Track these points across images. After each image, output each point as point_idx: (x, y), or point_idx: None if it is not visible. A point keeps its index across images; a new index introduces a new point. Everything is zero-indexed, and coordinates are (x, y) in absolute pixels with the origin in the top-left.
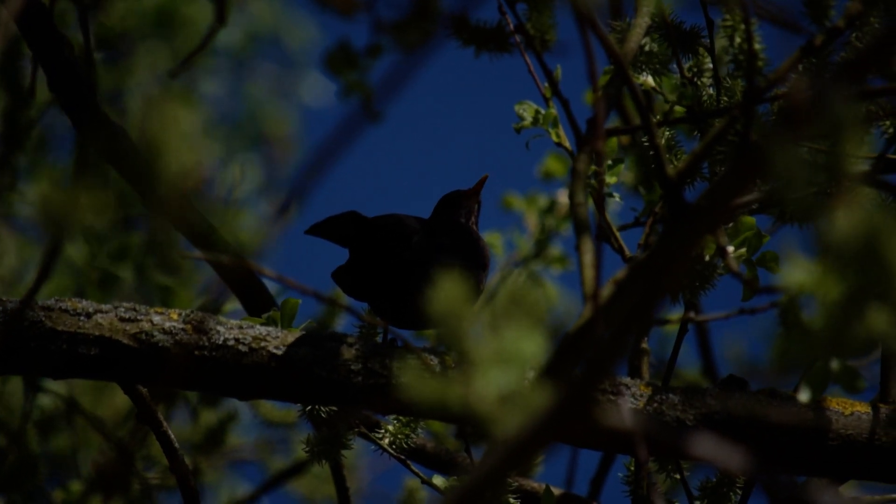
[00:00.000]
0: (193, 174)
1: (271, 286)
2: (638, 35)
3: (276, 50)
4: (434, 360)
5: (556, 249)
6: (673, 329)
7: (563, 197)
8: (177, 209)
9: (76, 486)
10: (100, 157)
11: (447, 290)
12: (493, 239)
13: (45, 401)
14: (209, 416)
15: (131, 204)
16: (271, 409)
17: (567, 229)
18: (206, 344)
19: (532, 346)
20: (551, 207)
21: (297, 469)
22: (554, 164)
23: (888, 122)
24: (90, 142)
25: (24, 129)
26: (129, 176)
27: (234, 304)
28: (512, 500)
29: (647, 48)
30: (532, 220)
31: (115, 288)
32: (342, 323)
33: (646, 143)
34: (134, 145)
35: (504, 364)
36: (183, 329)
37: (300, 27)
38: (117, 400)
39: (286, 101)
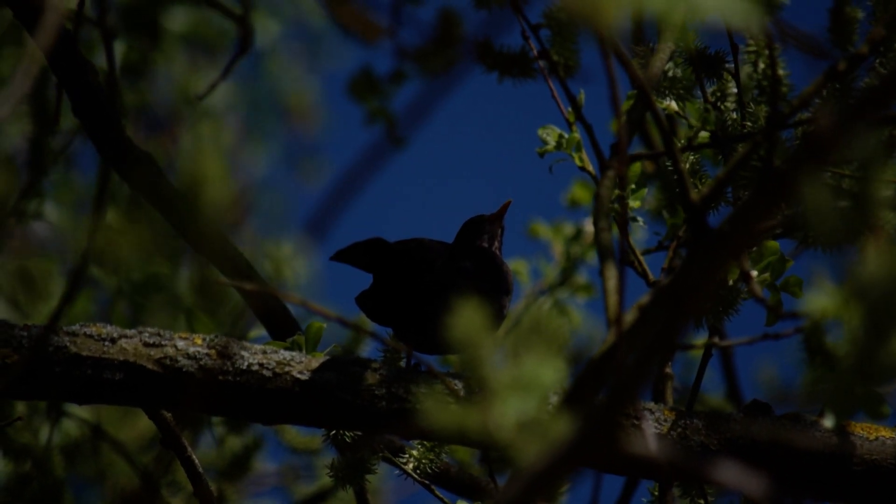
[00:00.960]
0: (232, 208)
1: (296, 311)
2: (662, 60)
3: (299, 29)
4: (458, 385)
5: (581, 277)
6: (697, 354)
7: (589, 225)
8: (216, 244)
9: None
10: (134, 190)
11: (467, 317)
12: (519, 266)
13: (69, 426)
14: (234, 442)
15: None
16: (296, 435)
17: (593, 257)
18: (231, 369)
19: (552, 374)
20: (577, 235)
21: (321, 495)
22: (580, 192)
23: None
24: (128, 178)
25: (48, 155)
26: (162, 208)
27: (259, 331)
28: None
29: (670, 73)
30: (558, 248)
31: (143, 314)
32: (366, 348)
33: (670, 168)
34: (164, 175)
35: (523, 391)
36: (207, 354)
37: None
38: (142, 425)
39: (308, 70)
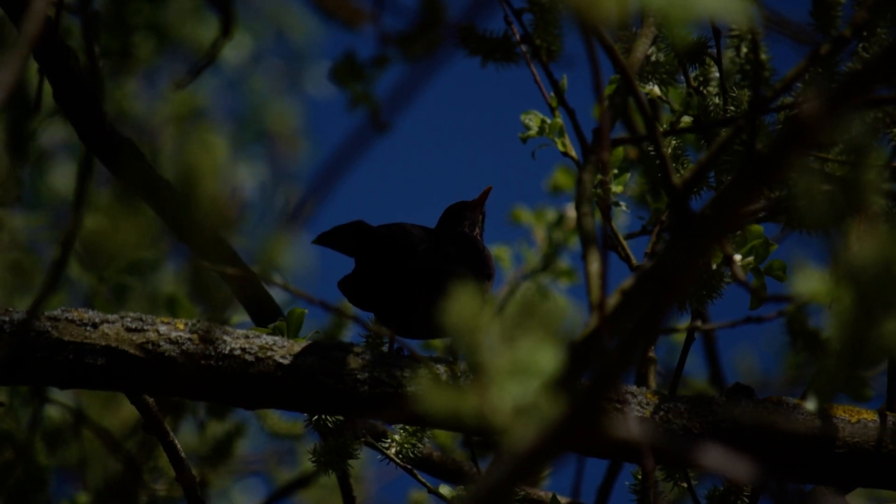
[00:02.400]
0: (227, 203)
1: (278, 296)
2: (644, 45)
3: (279, 44)
4: (441, 370)
5: (564, 263)
6: (680, 338)
7: (571, 211)
8: (202, 232)
9: (83, 498)
10: (116, 176)
11: (461, 301)
12: (501, 252)
13: (52, 412)
14: (216, 428)
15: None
16: (278, 420)
17: (575, 243)
18: (213, 354)
19: (547, 358)
20: (559, 221)
21: (304, 480)
22: (562, 178)
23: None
24: (110, 164)
25: (28, 141)
26: (144, 194)
27: (242, 317)
28: None
29: (653, 58)
30: (540, 234)
31: (124, 299)
32: (349, 333)
33: (652, 153)
34: (146, 161)
35: (519, 375)
36: (189, 339)
37: (303, 22)
38: (124, 411)
39: (291, 94)
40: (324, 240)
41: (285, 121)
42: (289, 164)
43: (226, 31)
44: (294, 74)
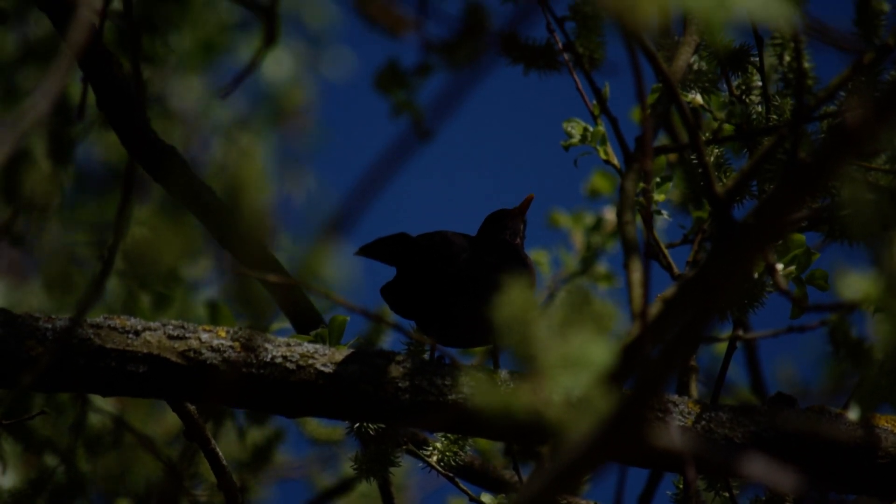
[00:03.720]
0: (268, 213)
1: (320, 304)
2: (687, 53)
3: (296, 26)
4: (482, 377)
5: (602, 267)
6: (721, 347)
7: (609, 214)
8: (247, 242)
9: None
10: (160, 184)
11: (512, 296)
12: (539, 256)
13: (94, 419)
14: (256, 434)
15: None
16: (318, 426)
17: (613, 247)
18: (254, 361)
19: (600, 351)
20: (598, 225)
21: (344, 487)
22: (600, 182)
23: None
24: (153, 172)
25: (70, 148)
26: (187, 202)
27: (283, 324)
28: None
29: (695, 66)
30: (578, 238)
31: (166, 308)
32: (390, 340)
33: (694, 161)
34: (189, 169)
35: (572, 368)
36: (231, 346)
37: (321, 5)
38: (167, 418)
39: (307, 75)
40: (366, 251)
41: (299, 98)
42: (302, 145)
43: (269, 39)
44: (311, 55)
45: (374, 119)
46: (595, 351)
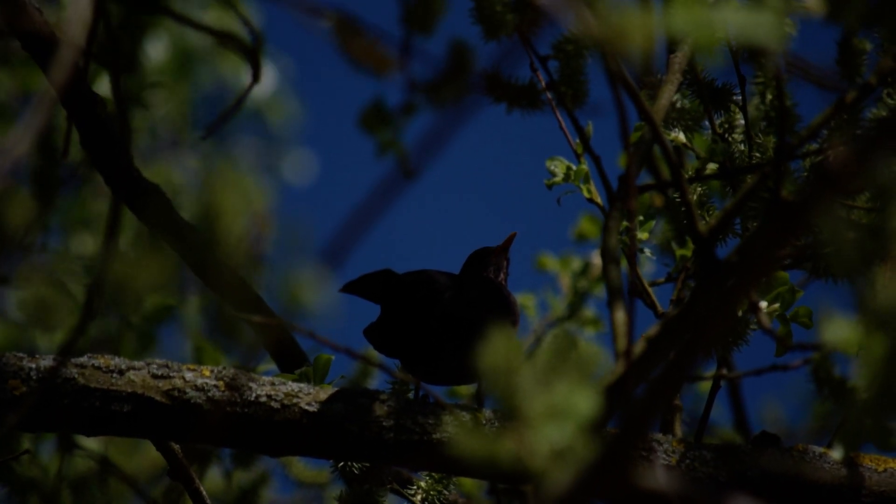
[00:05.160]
0: (249, 241)
1: (305, 344)
2: (670, 91)
3: (257, 125)
4: (466, 417)
5: (589, 311)
6: (705, 385)
7: (596, 259)
8: (227, 277)
9: None
10: (143, 222)
11: (495, 344)
12: (526, 300)
13: (78, 460)
14: (242, 476)
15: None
16: (303, 468)
17: (601, 291)
18: (239, 400)
19: (584, 400)
20: (585, 269)
21: None
22: (588, 226)
23: None
24: (137, 210)
25: (55, 187)
26: (171, 240)
27: (269, 365)
28: None
29: (678, 104)
30: (566, 282)
31: (150, 347)
32: (374, 380)
33: (677, 200)
34: (172, 207)
35: (556, 418)
36: (215, 386)
37: (284, 103)
38: (149, 457)
39: (267, 176)
40: (351, 288)
41: (259, 200)
42: (261, 244)
43: (255, 77)
44: (272, 156)
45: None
46: (579, 400)
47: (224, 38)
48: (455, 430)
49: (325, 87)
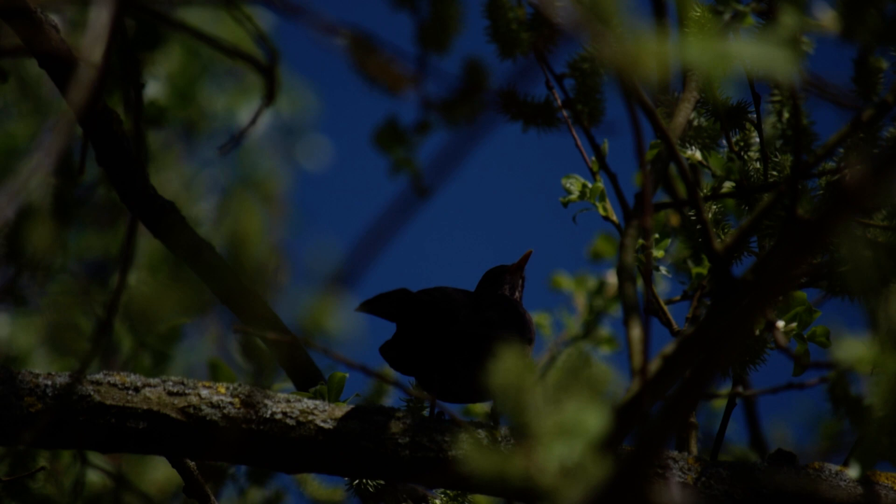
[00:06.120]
0: (271, 265)
1: (319, 360)
2: (686, 109)
3: (272, 115)
4: (482, 434)
5: (605, 330)
6: (721, 403)
7: (612, 278)
8: (246, 298)
9: None
10: (159, 239)
11: (506, 363)
12: (541, 319)
13: (92, 476)
14: (256, 494)
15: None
16: (318, 486)
17: (616, 310)
18: (254, 418)
19: (594, 418)
20: (600, 288)
21: None
22: (603, 245)
23: None
24: (153, 227)
25: (72, 207)
26: (186, 258)
27: (285, 384)
28: None
29: (695, 123)
30: (581, 300)
31: (165, 366)
32: (390, 397)
33: (693, 218)
34: (188, 225)
35: (566, 436)
36: (231, 403)
37: (297, 94)
38: (165, 474)
39: (283, 163)
40: (367, 307)
41: (275, 185)
42: (278, 230)
43: (269, 98)
44: (287, 143)
45: (373, 183)
46: (589, 418)
47: (239, 56)
48: (470, 447)
49: (343, 99)
